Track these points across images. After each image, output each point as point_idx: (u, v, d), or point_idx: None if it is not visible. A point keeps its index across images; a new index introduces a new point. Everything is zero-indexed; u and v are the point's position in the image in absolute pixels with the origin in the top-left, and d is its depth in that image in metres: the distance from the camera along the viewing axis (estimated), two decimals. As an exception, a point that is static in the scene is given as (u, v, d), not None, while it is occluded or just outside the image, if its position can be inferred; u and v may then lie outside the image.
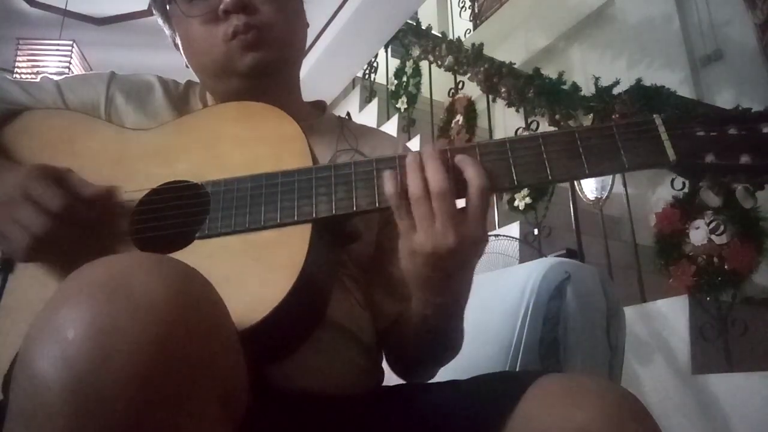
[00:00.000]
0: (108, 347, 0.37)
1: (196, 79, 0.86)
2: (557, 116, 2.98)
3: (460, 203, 0.60)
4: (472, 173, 0.59)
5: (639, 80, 2.76)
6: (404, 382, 0.81)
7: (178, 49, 0.83)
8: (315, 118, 0.89)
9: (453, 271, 0.61)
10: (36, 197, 0.61)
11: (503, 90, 3.29)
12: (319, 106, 0.94)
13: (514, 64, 3.40)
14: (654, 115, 0.59)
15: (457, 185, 0.59)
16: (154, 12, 0.85)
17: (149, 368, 0.38)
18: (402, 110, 4.00)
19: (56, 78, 0.84)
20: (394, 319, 0.78)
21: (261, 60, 0.75)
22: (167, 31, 0.85)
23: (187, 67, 0.84)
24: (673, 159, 0.57)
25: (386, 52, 4.39)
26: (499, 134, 4.02)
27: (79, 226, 0.62)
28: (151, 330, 0.38)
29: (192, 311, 0.41)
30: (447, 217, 0.58)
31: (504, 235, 2.25)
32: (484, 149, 0.62)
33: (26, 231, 0.60)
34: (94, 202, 0.64)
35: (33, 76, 3.41)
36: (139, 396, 0.37)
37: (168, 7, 0.80)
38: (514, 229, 2.67)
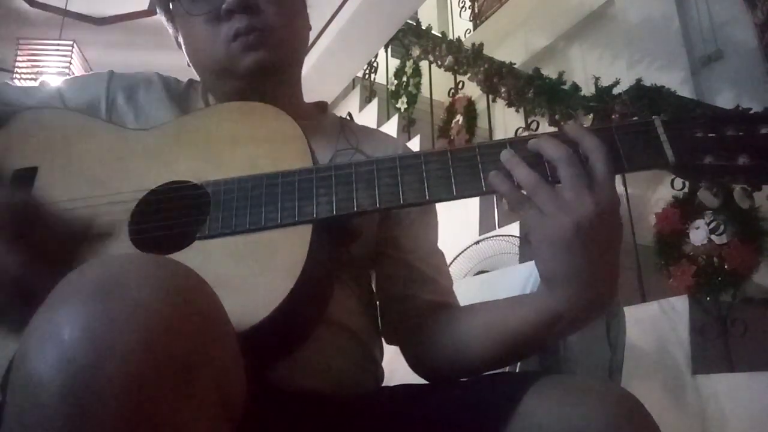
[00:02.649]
0: (104, 348, 0.37)
1: (198, 78, 0.86)
2: (557, 116, 2.98)
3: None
4: (591, 142, 0.57)
5: (639, 80, 2.76)
6: (408, 381, 0.80)
7: (180, 47, 0.83)
8: (316, 118, 0.89)
9: (596, 250, 0.56)
10: None
11: (503, 90, 3.29)
12: (320, 106, 0.94)
13: (514, 64, 3.41)
14: (653, 117, 0.59)
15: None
16: (157, 9, 0.85)
17: (145, 369, 0.37)
18: (402, 110, 3.99)
19: (57, 81, 0.84)
20: (426, 310, 0.76)
21: (262, 61, 0.75)
22: (170, 30, 0.85)
23: (189, 66, 0.84)
24: (672, 160, 0.57)
25: (386, 52, 4.39)
26: (499, 134, 4.02)
27: (53, 247, 0.58)
28: (148, 330, 0.38)
29: (188, 311, 0.41)
30: (576, 180, 0.55)
31: (504, 235, 2.25)
32: (486, 149, 0.61)
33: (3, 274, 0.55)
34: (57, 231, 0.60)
35: (33, 76, 3.41)
36: (135, 396, 0.37)
37: (171, 5, 0.80)
38: (514, 228, 2.67)
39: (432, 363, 0.76)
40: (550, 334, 0.63)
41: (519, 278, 0.95)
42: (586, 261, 0.56)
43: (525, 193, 0.58)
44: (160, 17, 0.85)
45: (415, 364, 0.78)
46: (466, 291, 0.97)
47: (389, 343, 0.82)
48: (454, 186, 0.61)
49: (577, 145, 0.58)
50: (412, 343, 0.78)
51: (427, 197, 0.61)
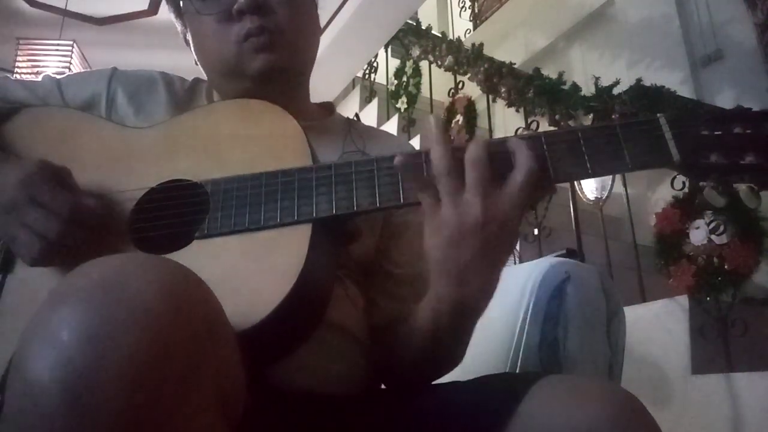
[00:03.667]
0: (102, 349, 0.37)
1: (204, 77, 0.86)
2: (557, 116, 2.98)
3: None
4: (523, 155, 0.56)
5: (639, 80, 2.76)
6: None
7: (188, 45, 0.83)
8: (322, 119, 0.88)
9: (476, 254, 0.56)
10: (45, 202, 0.60)
11: (503, 90, 3.29)
12: (328, 107, 0.93)
13: (514, 64, 3.41)
14: (658, 114, 0.58)
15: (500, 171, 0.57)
16: (167, 6, 0.84)
17: (144, 369, 0.37)
18: (402, 110, 3.99)
19: (57, 77, 0.84)
20: (390, 320, 0.77)
21: (272, 63, 0.75)
22: (178, 27, 0.85)
23: (196, 64, 0.83)
24: (677, 159, 0.57)
25: (386, 52, 4.39)
26: (499, 134, 4.01)
27: (85, 227, 0.62)
28: (146, 331, 0.38)
29: (186, 311, 0.41)
30: (478, 187, 0.55)
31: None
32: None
33: (39, 237, 0.59)
34: (96, 202, 0.63)
35: (33, 76, 3.40)
36: (134, 397, 0.37)
37: (181, 3, 0.79)
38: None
39: (383, 372, 0.77)
40: (440, 327, 0.64)
41: (518, 278, 0.95)
42: (463, 257, 0.57)
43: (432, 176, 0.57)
44: (169, 14, 0.84)
45: (379, 373, 0.78)
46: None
47: None
48: None
49: (511, 153, 0.57)
50: (376, 352, 0.77)
51: None
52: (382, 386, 0.80)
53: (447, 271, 0.58)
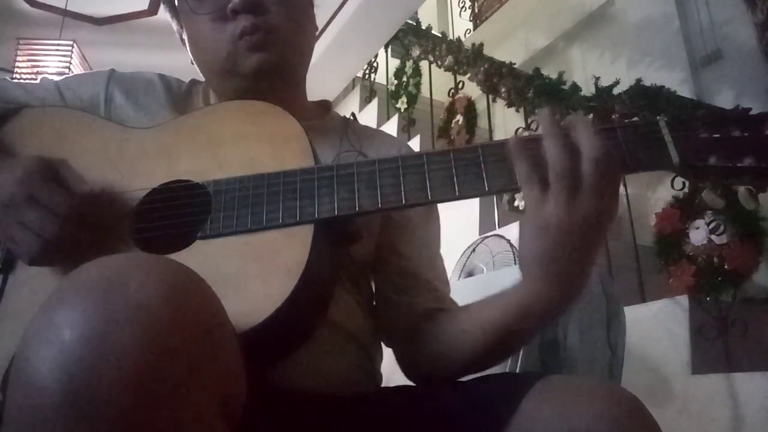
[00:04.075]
0: (104, 349, 0.37)
1: (201, 78, 0.86)
2: (557, 116, 2.98)
3: None
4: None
5: (639, 80, 2.76)
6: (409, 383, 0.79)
7: (184, 44, 0.83)
8: (319, 118, 0.88)
9: (580, 253, 0.57)
10: (43, 201, 0.60)
11: (503, 90, 3.29)
12: (324, 106, 0.93)
13: (514, 64, 3.41)
14: (657, 117, 0.58)
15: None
16: (162, 5, 0.84)
17: (145, 369, 0.37)
18: (402, 110, 3.99)
19: (56, 78, 0.84)
20: (421, 315, 0.76)
21: (266, 62, 0.75)
22: (174, 26, 0.85)
23: (192, 63, 0.83)
24: (677, 161, 0.57)
25: (386, 52, 4.39)
26: (499, 134, 4.02)
27: (84, 226, 0.62)
28: (147, 331, 0.38)
29: (188, 312, 0.41)
30: (602, 189, 0.54)
31: (504, 235, 2.26)
32: (489, 149, 0.61)
33: (37, 235, 0.60)
34: (95, 200, 0.64)
35: (33, 76, 3.40)
36: (135, 397, 0.37)
37: (176, 3, 0.80)
38: (514, 229, 2.67)
39: (422, 369, 0.76)
40: (523, 327, 0.64)
41: (518, 278, 0.95)
42: (562, 255, 0.57)
43: (548, 172, 0.56)
44: (165, 14, 0.85)
45: (406, 369, 0.78)
46: (466, 291, 0.96)
47: (386, 345, 0.82)
48: (456, 186, 0.60)
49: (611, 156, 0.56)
50: (404, 349, 0.78)
51: (430, 197, 0.60)
52: (382, 385, 0.80)
53: (549, 269, 0.58)
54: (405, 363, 0.78)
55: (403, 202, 0.61)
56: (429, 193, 0.60)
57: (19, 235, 0.60)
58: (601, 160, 0.54)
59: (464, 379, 0.70)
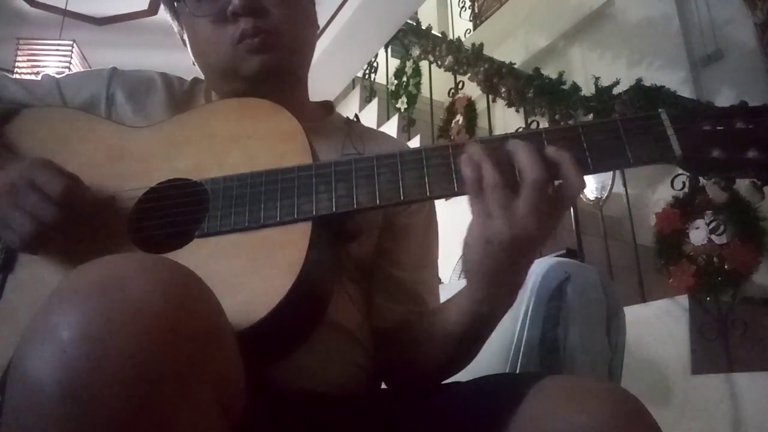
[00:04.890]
0: (102, 348, 0.37)
1: (203, 77, 0.86)
2: (557, 116, 2.99)
3: None
4: (573, 177, 0.56)
5: (639, 80, 2.76)
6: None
7: (185, 44, 0.83)
8: (322, 119, 0.88)
9: (522, 260, 0.59)
10: (41, 184, 0.60)
11: (503, 90, 3.29)
12: (327, 106, 0.92)
13: (514, 64, 3.41)
14: (659, 110, 0.58)
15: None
16: (162, 6, 0.84)
17: (144, 369, 0.37)
18: (402, 110, 4.00)
19: (56, 76, 0.84)
20: (397, 323, 0.76)
21: (267, 64, 0.75)
22: (175, 27, 0.85)
23: (194, 64, 0.83)
24: (679, 154, 0.56)
25: (386, 52, 4.39)
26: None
27: (80, 214, 0.62)
28: (146, 331, 0.38)
29: (187, 312, 0.41)
30: (537, 204, 0.55)
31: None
32: (487, 144, 0.61)
33: (31, 218, 0.60)
34: (93, 195, 0.64)
35: (33, 76, 3.40)
36: (134, 397, 0.37)
37: (176, 4, 0.79)
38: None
39: (397, 375, 0.78)
40: (472, 330, 0.67)
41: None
42: (504, 267, 0.59)
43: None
44: (165, 14, 0.84)
45: (381, 373, 0.78)
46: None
47: None
48: (455, 182, 0.60)
49: (557, 166, 0.57)
50: (382, 354, 0.78)
51: (428, 193, 0.60)
52: (382, 386, 0.80)
53: (488, 278, 0.60)
54: (381, 368, 0.78)
55: (402, 198, 0.60)
56: (428, 189, 0.60)
57: (15, 218, 0.60)
58: (539, 182, 0.56)
59: (464, 379, 0.70)
